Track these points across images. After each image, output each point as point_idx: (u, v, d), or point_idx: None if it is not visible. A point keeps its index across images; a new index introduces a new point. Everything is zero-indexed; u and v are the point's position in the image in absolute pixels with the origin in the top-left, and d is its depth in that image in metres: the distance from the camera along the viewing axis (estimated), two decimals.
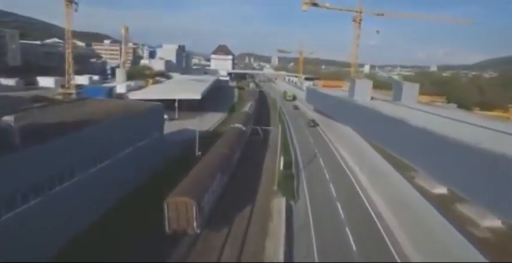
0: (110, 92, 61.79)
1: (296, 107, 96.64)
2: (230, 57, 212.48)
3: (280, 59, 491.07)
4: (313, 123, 73.23)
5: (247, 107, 78.13)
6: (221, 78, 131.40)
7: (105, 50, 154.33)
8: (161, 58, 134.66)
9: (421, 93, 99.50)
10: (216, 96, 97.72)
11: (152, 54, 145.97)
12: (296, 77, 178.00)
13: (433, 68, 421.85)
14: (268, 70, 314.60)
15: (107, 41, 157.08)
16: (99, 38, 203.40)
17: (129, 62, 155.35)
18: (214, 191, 26.78)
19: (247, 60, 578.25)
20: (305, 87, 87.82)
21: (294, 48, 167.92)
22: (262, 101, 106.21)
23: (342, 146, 53.48)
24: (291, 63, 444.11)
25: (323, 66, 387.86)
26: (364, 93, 57.23)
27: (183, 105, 68.28)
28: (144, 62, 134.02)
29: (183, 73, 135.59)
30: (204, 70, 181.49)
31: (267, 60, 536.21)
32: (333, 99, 60.05)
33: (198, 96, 66.23)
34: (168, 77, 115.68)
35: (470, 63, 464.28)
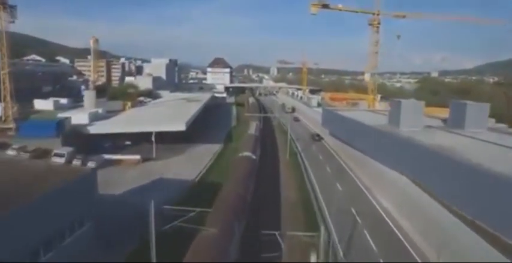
0: (61, 125, 44.21)
1: (316, 137, 73.80)
2: (227, 70, 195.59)
3: (279, 69, 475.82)
4: (318, 138, 69.50)
5: (252, 129, 61.39)
6: (217, 94, 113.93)
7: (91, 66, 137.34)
8: (149, 74, 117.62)
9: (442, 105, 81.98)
10: (210, 120, 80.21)
11: (139, 70, 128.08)
12: (299, 89, 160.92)
13: (434, 74, 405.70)
14: (267, 82, 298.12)
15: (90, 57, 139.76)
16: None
17: (117, 79, 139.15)
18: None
19: (245, 72, 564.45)
20: (321, 108, 70.01)
21: (294, 58, 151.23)
22: (266, 124, 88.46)
23: (394, 207, 34.64)
24: (290, 74, 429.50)
25: (322, 76, 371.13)
26: (414, 120, 39.62)
27: (168, 135, 51.03)
28: (129, 79, 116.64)
29: (174, 90, 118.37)
30: (199, 85, 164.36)
31: (266, 71, 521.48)
32: (367, 130, 42.05)
33: (181, 127, 48.73)
34: (156, 97, 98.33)
35: (468, 67, 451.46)
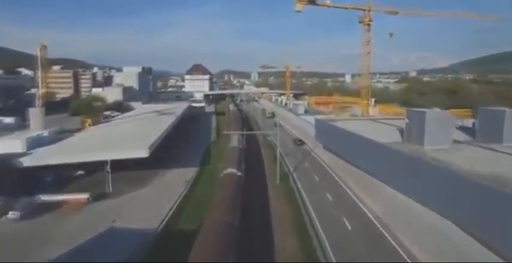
0: None
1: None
2: (207, 76, 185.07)
3: (260, 74, 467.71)
4: (300, 142, 66.69)
5: (235, 142, 53.44)
6: (195, 104, 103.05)
7: (56, 78, 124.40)
8: (119, 84, 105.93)
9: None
10: (186, 135, 69.69)
11: (108, 81, 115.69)
12: (283, 94, 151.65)
13: (413, 73, 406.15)
14: (248, 87, 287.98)
15: (56, 67, 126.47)
16: (69, 64, 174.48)
17: (87, 90, 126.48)
18: None
19: (226, 78, 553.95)
20: (313, 118, 59.20)
21: (275, 62, 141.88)
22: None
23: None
24: (271, 78, 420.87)
25: (304, 79, 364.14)
26: (441, 136, 30.45)
27: (130, 160, 40.39)
28: (96, 91, 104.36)
29: (148, 101, 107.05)
30: (177, 94, 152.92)
31: (247, 76, 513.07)
32: (378, 148, 32.35)
33: (143, 153, 37.98)
34: (126, 109, 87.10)
35: (443, 66, 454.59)
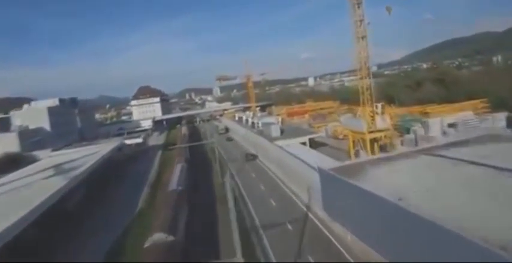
0: None
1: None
2: (157, 99, 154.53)
3: (222, 88, 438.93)
4: (252, 157, 57.42)
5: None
6: (130, 141, 72.15)
7: None
8: (20, 126, 74.22)
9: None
10: (97, 203, 40.08)
11: (3, 124, 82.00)
12: (248, 108, 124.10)
13: (374, 68, 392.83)
14: (210, 104, 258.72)
15: None
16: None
17: None
18: None
19: (188, 97, 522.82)
20: (317, 167, 30.97)
21: (236, 72, 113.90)
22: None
23: None
24: (234, 91, 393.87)
25: (267, 88, 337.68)
26: None
27: None
28: None
29: (70, 144, 75.91)
30: (119, 126, 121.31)
31: (209, 92, 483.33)
32: None
33: None
34: (27, 163, 56.77)
35: (396, 58, 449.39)
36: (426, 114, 72.24)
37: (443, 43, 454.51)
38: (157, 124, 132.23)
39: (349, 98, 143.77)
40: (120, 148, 69.54)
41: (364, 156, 50.10)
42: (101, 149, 63.55)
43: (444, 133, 54.40)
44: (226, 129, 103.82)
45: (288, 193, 38.44)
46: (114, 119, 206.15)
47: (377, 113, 50.02)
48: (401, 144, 54.71)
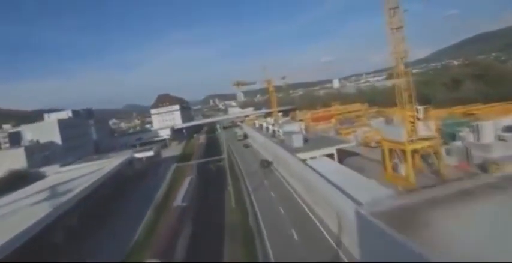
0: None
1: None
2: (176, 107, 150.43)
3: (245, 93, 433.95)
4: (267, 164, 56.33)
5: None
6: (140, 155, 66.42)
7: None
8: (30, 141, 70.71)
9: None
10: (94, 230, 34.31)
11: (15, 138, 78.74)
12: (269, 114, 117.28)
13: (401, 67, 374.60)
14: (233, 110, 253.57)
15: None
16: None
17: None
18: None
19: (211, 103, 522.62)
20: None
21: (257, 77, 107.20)
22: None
23: None
24: (258, 96, 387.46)
25: (291, 91, 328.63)
26: None
27: None
28: None
29: (77, 158, 71.68)
30: (138, 136, 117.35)
31: (233, 97, 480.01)
32: None
33: None
34: (34, 180, 52.78)
35: (423, 56, 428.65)
36: (471, 116, 62.63)
37: (470, 39, 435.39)
38: (176, 133, 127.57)
39: (378, 99, 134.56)
40: (131, 162, 64.32)
41: (404, 170, 41.99)
42: (109, 163, 58.53)
43: (501, 139, 45.08)
44: (245, 136, 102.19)
45: (315, 221, 31.01)
46: (138, 128, 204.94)
47: (418, 119, 41.78)
48: (447, 154, 45.80)
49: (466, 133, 48.16)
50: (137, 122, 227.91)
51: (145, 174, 61.68)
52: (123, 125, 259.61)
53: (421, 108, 41.90)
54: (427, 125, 41.16)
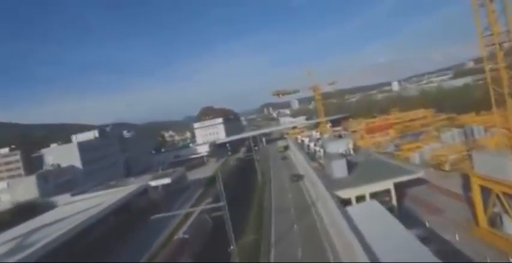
0: None
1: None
2: (219, 120, 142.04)
3: (300, 100, 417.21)
4: (297, 178, 54.57)
5: None
6: (155, 182, 56.30)
7: None
8: (52, 165, 65.40)
9: None
10: None
11: (38, 162, 73.70)
12: (316, 127, 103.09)
13: (471, 64, 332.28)
14: (285, 119, 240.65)
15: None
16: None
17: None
18: None
19: (265, 112, 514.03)
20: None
21: (303, 84, 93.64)
22: None
23: None
24: (312, 102, 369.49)
25: (346, 96, 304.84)
26: None
27: None
28: None
29: (99, 184, 64.54)
30: (175, 153, 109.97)
31: (288, 105, 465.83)
32: None
33: None
34: (42, 211, 46.40)
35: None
36: None
37: None
38: (219, 148, 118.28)
39: (447, 103, 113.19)
40: (146, 190, 54.99)
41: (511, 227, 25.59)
42: (121, 193, 49.73)
43: None
44: (285, 148, 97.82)
45: None
46: (188, 141, 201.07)
47: None
48: None
49: None
50: (188, 134, 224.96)
51: (159, 206, 51.62)
52: (177, 137, 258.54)
53: None
54: None
